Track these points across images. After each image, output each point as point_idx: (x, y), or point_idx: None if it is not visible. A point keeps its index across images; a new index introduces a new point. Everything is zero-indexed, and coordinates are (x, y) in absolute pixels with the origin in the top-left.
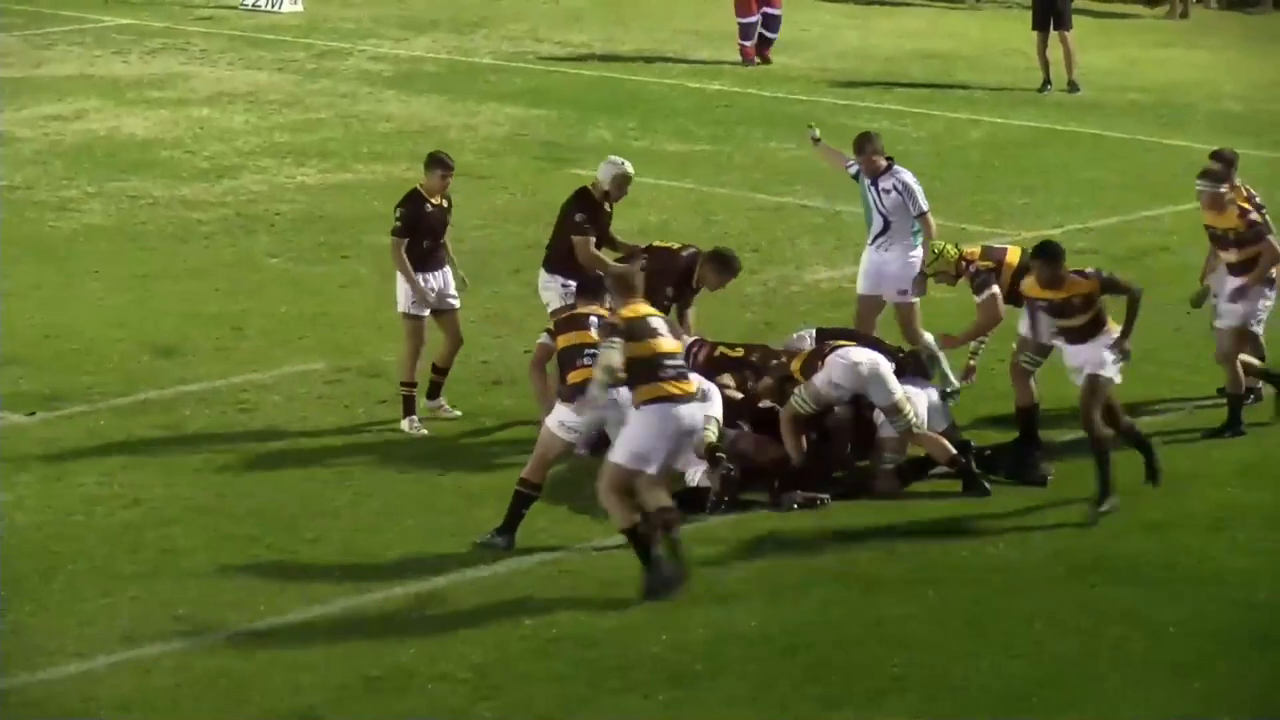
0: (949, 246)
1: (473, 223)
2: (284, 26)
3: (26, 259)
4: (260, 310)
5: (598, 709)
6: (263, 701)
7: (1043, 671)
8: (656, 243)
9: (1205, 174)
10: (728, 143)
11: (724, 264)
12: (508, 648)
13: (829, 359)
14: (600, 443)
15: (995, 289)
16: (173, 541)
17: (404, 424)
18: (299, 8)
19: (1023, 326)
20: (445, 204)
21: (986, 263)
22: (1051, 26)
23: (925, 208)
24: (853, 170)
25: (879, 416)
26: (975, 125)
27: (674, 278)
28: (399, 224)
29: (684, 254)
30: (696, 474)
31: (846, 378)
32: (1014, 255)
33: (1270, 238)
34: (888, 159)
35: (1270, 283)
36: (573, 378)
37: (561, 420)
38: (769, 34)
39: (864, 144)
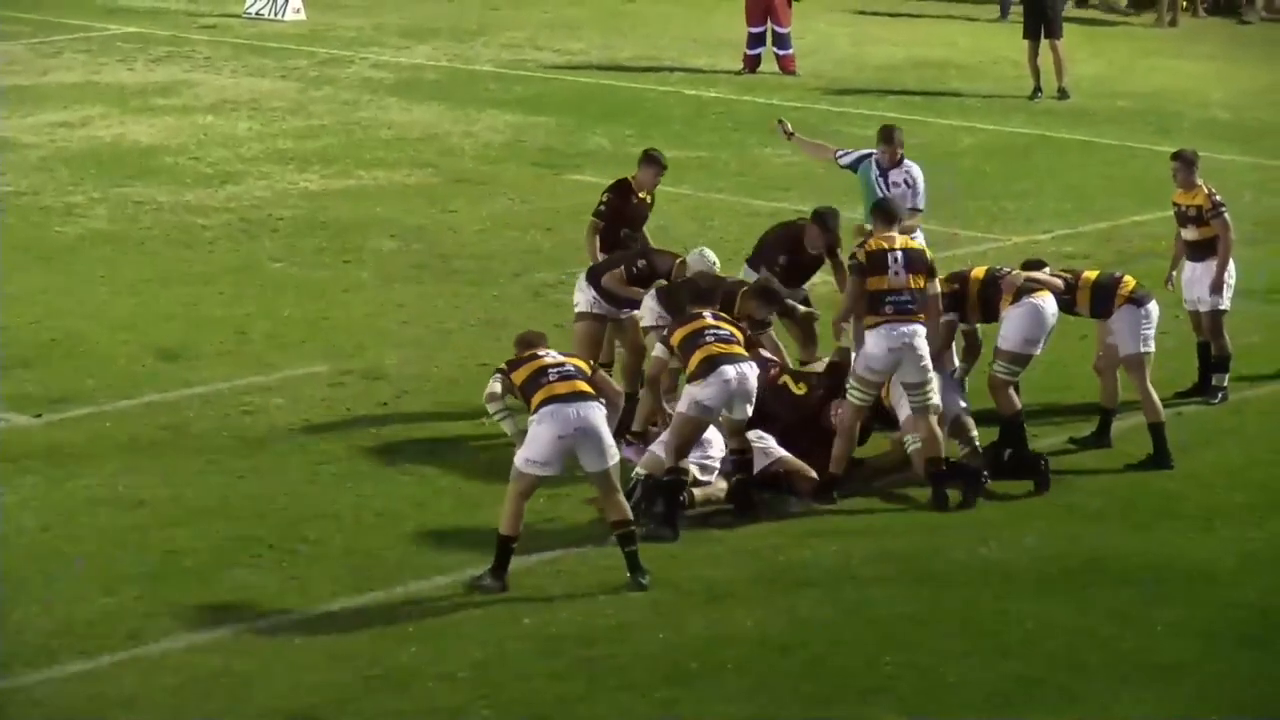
0: None
1: (473, 228)
2: (287, 35)
3: (32, 263)
4: (263, 314)
5: (595, 707)
6: (265, 700)
7: (1034, 671)
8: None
9: (1180, 155)
10: (724, 149)
11: (767, 296)
12: (507, 646)
13: (867, 335)
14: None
15: (954, 316)
16: (176, 542)
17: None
18: (302, 16)
19: (1000, 338)
20: (650, 200)
21: (950, 285)
22: (1042, 35)
23: (923, 206)
24: (845, 160)
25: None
26: (968, 132)
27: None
28: (602, 208)
29: (725, 282)
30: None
31: (880, 356)
32: (979, 272)
33: (1226, 215)
34: (901, 154)
35: (1141, 302)
36: (699, 355)
37: (695, 400)
38: (780, 50)
39: (892, 134)
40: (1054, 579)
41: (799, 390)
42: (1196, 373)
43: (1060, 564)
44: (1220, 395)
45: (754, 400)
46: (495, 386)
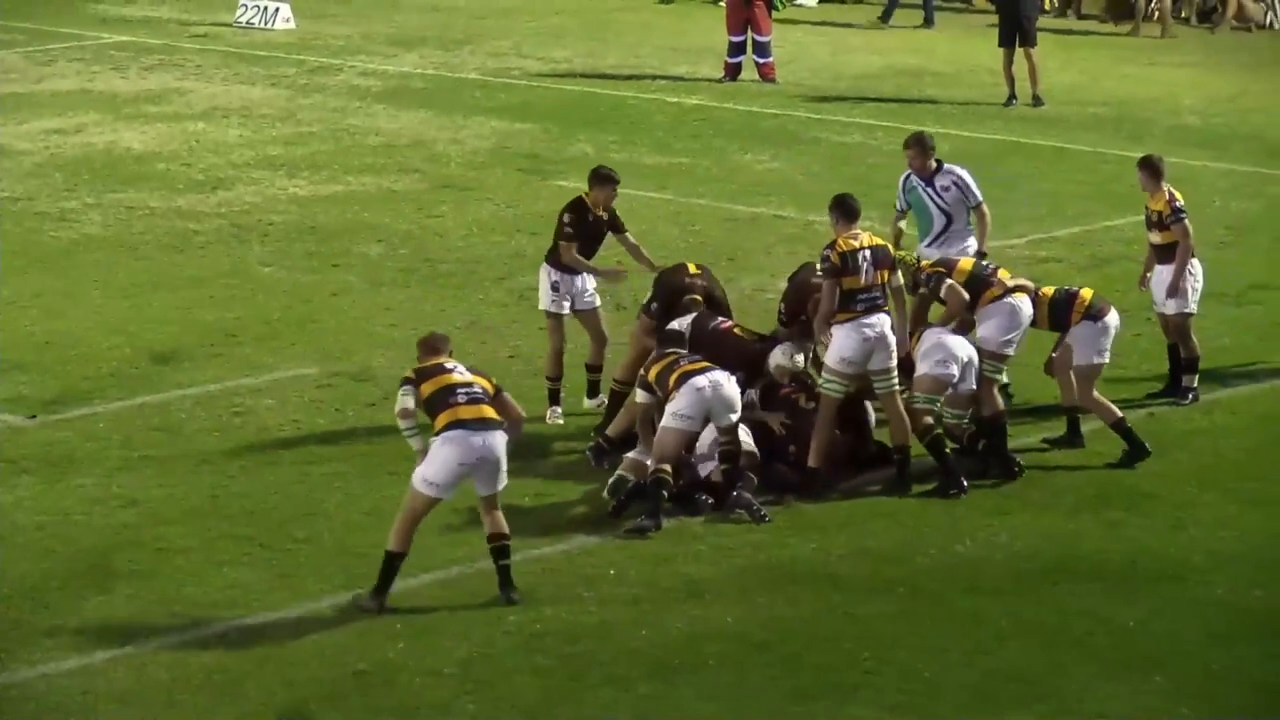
0: (909, 255)
1: (459, 233)
2: (277, 43)
3: (28, 268)
4: (254, 317)
5: (579, 702)
6: (256, 696)
7: (1009, 667)
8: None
9: (1147, 162)
10: (705, 155)
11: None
12: (492, 643)
13: (836, 330)
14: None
15: (951, 280)
16: (169, 541)
17: (547, 415)
18: (291, 25)
19: (980, 339)
20: (605, 215)
21: (937, 268)
22: (1017, 43)
23: (981, 199)
24: (900, 202)
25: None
26: (943, 138)
27: (744, 365)
28: (569, 229)
29: (757, 345)
30: (707, 469)
31: (855, 348)
32: (966, 264)
33: (1185, 221)
34: (937, 160)
35: (1097, 317)
36: (673, 377)
37: (672, 412)
38: (761, 59)
39: (907, 143)
40: (1028, 576)
41: (809, 407)
42: (1168, 374)
43: (1035, 562)
44: (1190, 396)
45: (737, 409)
46: (408, 402)
